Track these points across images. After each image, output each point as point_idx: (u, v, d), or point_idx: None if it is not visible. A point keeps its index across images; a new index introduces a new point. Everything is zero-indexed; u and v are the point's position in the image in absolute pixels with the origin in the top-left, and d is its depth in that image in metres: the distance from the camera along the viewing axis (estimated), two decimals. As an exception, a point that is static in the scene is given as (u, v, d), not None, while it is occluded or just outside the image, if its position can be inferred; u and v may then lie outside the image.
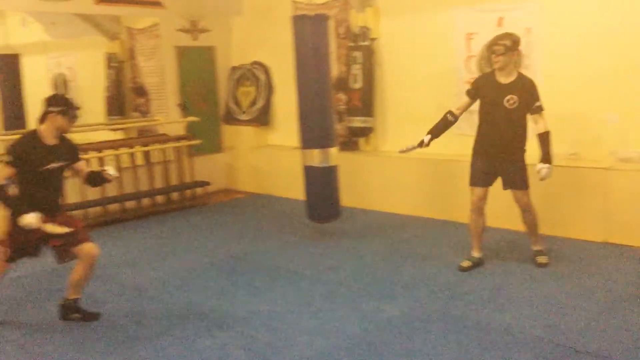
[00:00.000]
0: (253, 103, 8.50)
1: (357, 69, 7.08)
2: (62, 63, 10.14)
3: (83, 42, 9.47)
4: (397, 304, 4.24)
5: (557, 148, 5.70)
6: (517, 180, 4.70)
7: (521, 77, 4.64)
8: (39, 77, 10.10)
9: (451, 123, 4.89)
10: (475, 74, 6.19)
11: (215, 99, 8.76)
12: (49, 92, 9.65)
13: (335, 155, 5.85)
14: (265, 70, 8.40)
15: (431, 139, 4.88)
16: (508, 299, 4.23)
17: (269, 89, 8.39)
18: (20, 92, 8.84)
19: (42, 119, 3.99)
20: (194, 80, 8.50)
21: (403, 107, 7.02)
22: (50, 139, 3.99)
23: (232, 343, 3.74)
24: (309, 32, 5.65)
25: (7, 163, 3.89)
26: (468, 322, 3.88)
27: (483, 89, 4.72)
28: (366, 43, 7.03)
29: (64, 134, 4.10)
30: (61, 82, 10.13)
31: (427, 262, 5.07)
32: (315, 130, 5.75)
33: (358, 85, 7.10)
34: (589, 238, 5.43)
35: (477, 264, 4.84)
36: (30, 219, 3.81)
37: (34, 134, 4.00)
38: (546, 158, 4.56)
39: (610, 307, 4.02)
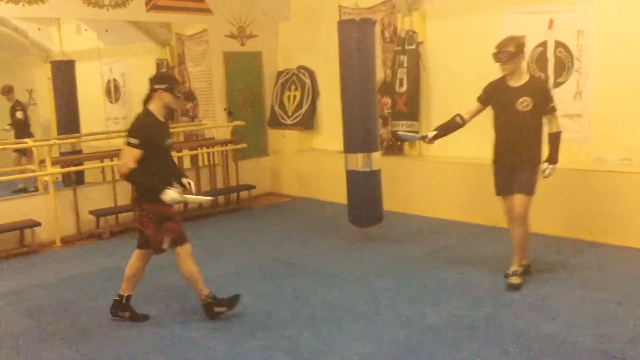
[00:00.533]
0: (298, 107, 8.56)
1: (402, 73, 7.05)
2: (114, 69, 10.43)
3: (134, 48, 9.72)
4: (441, 311, 4.20)
5: (609, 154, 5.59)
6: (525, 183, 4.48)
7: (533, 79, 4.54)
8: (93, 82, 10.41)
9: (459, 125, 4.79)
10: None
11: (261, 104, 8.86)
12: (101, 97, 9.99)
13: (378, 159, 5.84)
14: (311, 74, 8.44)
15: (436, 136, 4.81)
16: (556, 307, 4.14)
17: (314, 93, 8.43)
18: (75, 97, 9.13)
19: (149, 99, 4.10)
20: (241, 85, 8.61)
21: (448, 111, 6.87)
22: (161, 117, 4.12)
23: (275, 346, 3.78)
24: (354, 36, 5.66)
25: (136, 145, 3.92)
26: (514, 330, 3.81)
27: (495, 95, 4.58)
28: (412, 47, 6.99)
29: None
30: (113, 87, 10.43)
31: (471, 268, 5.00)
32: (358, 135, 5.75)
33: (404, 89, 7.06)
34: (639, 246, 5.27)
35: (524, 274, 4.66)
36: (174, 194, 3.94)
37: (148, 112, 4.08)
38: (553, 158, 4.45)
39: (664, 318, 3.89)
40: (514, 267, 4.59)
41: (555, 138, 4.50)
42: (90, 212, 6.84)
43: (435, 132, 4.84)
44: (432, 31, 6.99)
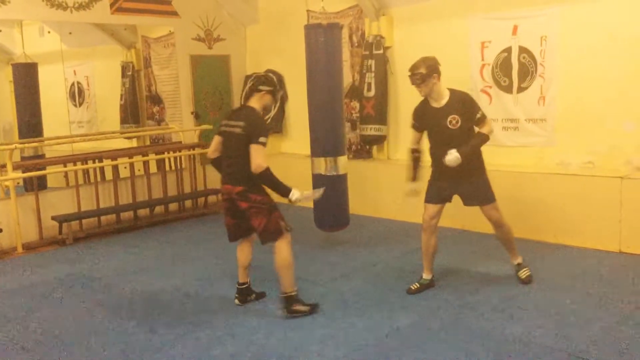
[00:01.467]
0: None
1: (370, 77, 7.08)
2: (78, 72, 10.24)
3: (99, 51, 9.57)
4: (409, 314, 4.22)
5: (573, 157, 5.71)
6: (480, 196, 4.52)
7: (454, 94, 4.44)
8: (56, 86, 10.20)
9: (419, 158, 4.72)
10: (489, 82, 6.20)
11: (230, 107, 8.79)
12: (65, 100, 9.79)
13: (345, 163, 5.85)
14: (279, 78, 8.42)
15: (419, 185, 4.70)
16: (521, 309, 4.19)
17: (283, 97, 8.41)
18: (38, 100, 8.93)
19: (249, 97, 4.33)
20: (208, 88, 8.54)
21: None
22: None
23: (243, 352, 3.74)
24: (321, 41, 5.66)
25: (265, 144, 4.08)
26: (480, 331, 3.85)
27: (423, 118, 4.54)
28: (380, 51, 7.03)
29: None
30: (77, 90, 10.23)
31: (438, 270, 5.03)
32: (325, 139, 5.75)
33: (371, 93, 7.10)
34: (604, 248, 5.37)
35: (427, 286, 4.64)
36: (298, 193, 4.15)
37: (255, 110, 4.24)
38: (463, 149, 4.29)
39: (626, 317, 3.97)
40: (517, 261, 4.73)
41: (478, 137, 4.41)
42: (53, 218, 6.69)
43: (415, 184, 4.73)
44: (400, 36, 7.05)
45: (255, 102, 4.29)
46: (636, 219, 5.19)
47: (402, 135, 7.18)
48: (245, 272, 4.53)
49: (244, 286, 4.55)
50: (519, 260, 4.76)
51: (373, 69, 7.07)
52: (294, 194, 4.14)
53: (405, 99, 7.07)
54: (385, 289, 4.73)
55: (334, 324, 4.09)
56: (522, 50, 5.96)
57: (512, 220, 5.10)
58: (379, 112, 7.11)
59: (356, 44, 7.41)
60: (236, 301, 4.53)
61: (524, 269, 4.72)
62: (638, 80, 5.28)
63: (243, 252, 4.51)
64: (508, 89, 6.11)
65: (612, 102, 5.43)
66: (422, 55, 4.58)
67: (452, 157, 4.27)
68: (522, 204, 5.69)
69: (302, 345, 3.80)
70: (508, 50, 6.05)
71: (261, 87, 4.29)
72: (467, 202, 4.61)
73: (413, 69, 4.45)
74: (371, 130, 7.17)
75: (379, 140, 7.23)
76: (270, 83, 4.41)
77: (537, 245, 5.51)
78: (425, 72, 4.37)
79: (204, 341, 3.92)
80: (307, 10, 7.61)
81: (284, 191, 4.14)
